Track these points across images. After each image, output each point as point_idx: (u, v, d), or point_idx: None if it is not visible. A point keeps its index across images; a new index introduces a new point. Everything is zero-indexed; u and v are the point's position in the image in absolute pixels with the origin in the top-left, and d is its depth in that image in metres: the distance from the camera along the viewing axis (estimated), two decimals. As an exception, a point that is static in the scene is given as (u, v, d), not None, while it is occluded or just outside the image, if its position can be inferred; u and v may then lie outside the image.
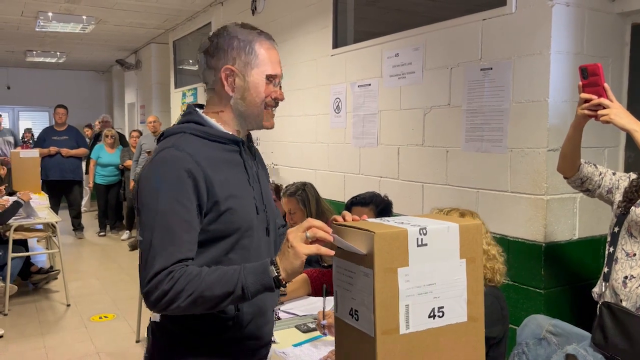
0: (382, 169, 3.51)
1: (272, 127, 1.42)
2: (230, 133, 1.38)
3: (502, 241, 2.61)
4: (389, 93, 3.43)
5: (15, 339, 4.04)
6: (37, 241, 6.35)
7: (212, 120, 1.37)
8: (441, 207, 2.01)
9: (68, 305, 4.81)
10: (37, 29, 7.06)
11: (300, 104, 4.43)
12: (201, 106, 1.45)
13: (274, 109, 1.40)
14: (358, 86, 3.71)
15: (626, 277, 1.94)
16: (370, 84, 3.59)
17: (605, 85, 1.82)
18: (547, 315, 2.36)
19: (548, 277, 2.48)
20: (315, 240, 1.17)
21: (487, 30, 2.73)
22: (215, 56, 1.35)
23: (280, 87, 1.41)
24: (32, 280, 5.25)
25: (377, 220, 1.22)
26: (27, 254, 5.09)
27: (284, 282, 1.19)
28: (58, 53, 9.78)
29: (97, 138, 8.33)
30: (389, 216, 2.58)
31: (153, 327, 1.40)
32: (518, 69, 2.55)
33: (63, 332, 4.25)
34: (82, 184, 7.94)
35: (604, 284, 2.03)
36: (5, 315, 4.50)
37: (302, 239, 1.16)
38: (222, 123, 1.38)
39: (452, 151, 2.94)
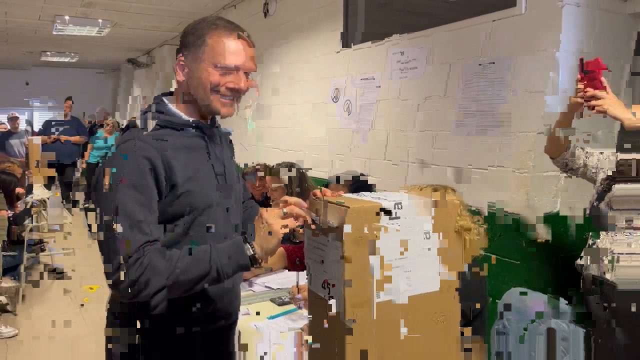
0: (372, 152, 3.53)
1: (229, 114, 1.39)
2: (191, 119, 1.39)
3: (486, 216, 2.59)
4: (390, 86, 3.45)
5: (26, 340, 4.06)
6: (54, 241, 6.45)
7: (174, 109, 1.39)
8: (422, 184, 2.05)
9: (81, 305, 4.85)
10: (55, 33, 7.17)
11: (301, 93, 4.52)
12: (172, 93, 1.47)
13: (228, 97, 1.36)
14: (361, 79, 3.73)
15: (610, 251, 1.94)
16: (374, 78, 3.61)
17: (603, 79, 1.85)
18: (529, 287, 2.34)
19: (528, 249, 2.47)
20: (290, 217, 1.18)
21: (496, 32, 2.71)
22: (181, 45, 1.39)
23: (247, 77, 1.39)
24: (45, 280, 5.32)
25: (355, 195, 1.23)
26: (41, 254, 5.17)
27: (260, 261, 1.19)
28: (72, 53, 9.94)
29: (92, 128, 9.36)
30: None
31: (111, 303, 1.39)
32: (520, 64, 2.54)
33: (73, 332, 4.28)
34: (76, 165, 8.68)
35: (587, 257, 2.03)
36: (16, 315, 4.56)
37: (279, 215, 1.17)
38: (184, 109, 1.39)
39: (441, 135, 2.95)
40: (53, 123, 8.17)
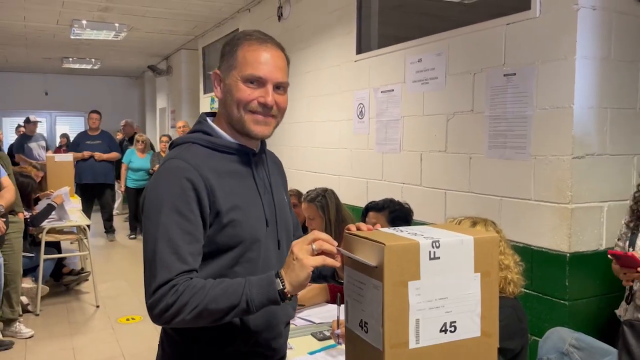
0: (405, 176, 3.48)
1: (262, 135, 1.34)
2: (238, 142, 1.34)
3: (526, 250, 2.55)
4: (412, 99, 3.40)
5: (45, 340, 4.14)
6: (71, 243, 6.53)
7: (220, 130, 1.35)
8: (461, 215, 1.98)
9: (97, 307, 4.92)
10: (72, 37, 7.26)
11: (325, 109, 4.43)
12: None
13: (260, 115, 1.31)
14: (381, 92, 3.69)
15: None
16: (393, 90, 3.57)
17: None
18: (571, 328, 2.30)
19: (573, 288, 2.41)
20: (321, 253, 1.15)
21: (511, 35, 2.68)
22: (219, 61, 1.36)
23: (282, 92, 1.34)
24: (63, 281, 5.38)
25: (391, 230, 1.20)
26: (58, 255, 5.23)
27: (289, 295, 1.16)
28: (93, 60, 10.04)
29: (121, 144, 8.62)
30: (408, 223, 2.56)
31: (162, 337, 1.39)
32: (542, 75, 2.50)
33: (91, 333, 4.35)
34: (114, 188, 8.12)
35: (624, 304, 1.96)
36: (37, 315, 4.63)
37: (308, 251, 1.14)
38: (226, 130, 1.35)
39: (475, 158, 2.90)
40: (85, 141, 7.45)
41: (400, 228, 1.22)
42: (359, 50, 4.00)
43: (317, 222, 2.92)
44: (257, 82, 1.29)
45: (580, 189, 2.40)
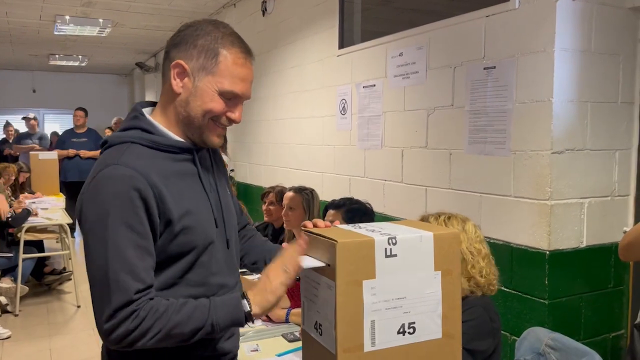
0: (387, 172, 3.41)
1: (217, 145, 1.28)
2: (181, 140, 1.24)
3: (505, 248, 2.50)
4: (393, 94, 3.34)
5: (22, 341, 4.06)
6: (56, 242, 6.44)
7: (160, 126, 1.23)
8: (439, 211, 1.91)
9: (78, 307, 4.84)
10: (56, 33, 7.16)
11: (308, 105, 4.36)
12: (152, 103, 1.31)
13: (223, 129, 1.25)
14: (363, 87, 3.63)
15: None
16: (375, 85, 3.50)
17: None
18: (552, 327, 2.25)
19: (552, 286, 2.35)
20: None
21: (490, 27, 2.61)
22: (177, 47, 1.21)
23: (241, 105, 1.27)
24: (45, 281, 5.29)
25: (348, 227, 1.15)
26: (37, 255, 5.14)
27: (253, 318, 1.14)
28: (80, 56, 9.93)
29: None
30: (370, 221, 2.49)
31: (107, 348, 1.27)
32: (522, 68, 2.44)
33: (70, 334, 4.27)
34: None
35: None
36: (16, 316, 4.55)
37: (282, 270, 1.13)
38: (170, 126, 1.24)
39: (455, 154, 2.83)
40: (71, 139, 7.35)
41: (360, 225, 1.17)
42: (342, 45, 3.93)
43: (298, 213, 2.87)
44: (233, 97, 1.22)
45: (560, 185, 2.34)
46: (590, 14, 2.37)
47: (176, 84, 1.21)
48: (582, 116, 2.38)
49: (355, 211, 2.49)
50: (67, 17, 6.48)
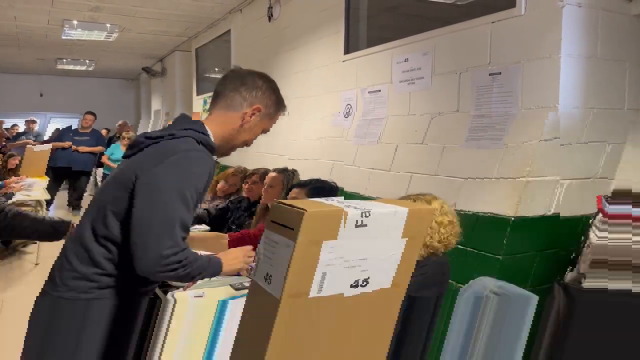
0: (377, 163, 3.38)
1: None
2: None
3: (471, 217, 2.46)
4: (398, 99, 3.33)
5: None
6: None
7: (210, 132, 1.54)
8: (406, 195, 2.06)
9: (37, 264, 4.93)
10: (64, 37, 7.21)
11: (312, 110, 4.37)
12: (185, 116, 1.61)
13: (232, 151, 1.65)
14: (368, 92, 3.63)
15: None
16: (380, 90, 3.50)
17: None
18: (502, 278, 2.19)
19: (510, 245, 2.31)
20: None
21: (496, 34, 2.61)
22: (252, 91, 1.55)
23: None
24: (11, 245, 5.40)
25: (322, 199, 1.17)
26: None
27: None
28: (87, 61, 9.99)
29: (110, 140, 8.81)
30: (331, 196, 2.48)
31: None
32: (527, 74, 2.43)
33: (23, 287, 4.32)
34: (89, 175, 8.16)
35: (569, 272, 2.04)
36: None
37: (247, 262, 1.67)
38: (215, 136, 1.55)
39: (449, 147, 2.81)
40: (70, 134, 7.58)
41: (332, 198, 1.19)
42: (347, 50, 3.93)
43: (277, 190, 2.96)
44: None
45: (541, 165, 2.31)
46: (595, 20, 2.36)
47: (247, 120, 1.56)
48: (587, 122, 2.37)
49: (320, 189, 2.49)
50: (75, 22, 6.53)
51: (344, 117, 3.89)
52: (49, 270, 1.56)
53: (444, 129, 2.92)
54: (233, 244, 2.38)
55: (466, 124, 2.74)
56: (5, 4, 5.82)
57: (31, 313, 1.53)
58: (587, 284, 1.98)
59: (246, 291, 1.98)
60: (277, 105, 1.61)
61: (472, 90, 2.74)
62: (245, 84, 1.55)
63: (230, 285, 2.08)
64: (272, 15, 5.12)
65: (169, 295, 1.83)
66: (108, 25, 6.72)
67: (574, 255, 2.23)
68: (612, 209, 1.99)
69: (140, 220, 1.37)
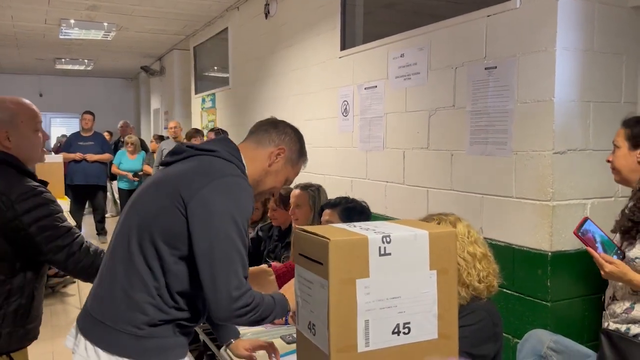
0: (389, 174, 3.39)
1: None
2: None
3: (507, 250, 2.47)
4: (394, 95, 3.32)
5: (24, 343, 4.06)
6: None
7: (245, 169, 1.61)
8: (442, 212, 1.88)
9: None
10: (62, 37, 7.20)
11: (310, 108, 4.35)
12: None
13: (260, 200, 1.69)
14: (365, 88, 3.61)
15: (610, 298, 1.79)
16: (376, 86, 3.49)
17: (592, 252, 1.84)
18: (554, 329, 2.21)
19: (554, 288, 2.32)
20: None
21: (492, 27, 2.59)
22: (281, 135, 1.67)
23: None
24: (49, 283, 5.27)
25: (343, 225, 1.14)
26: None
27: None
28: (86, 60, 9.99)
29: (116, 145, 8.43)
30: (365, 218, 2.47)
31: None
32: (523, 68, 2.41)
33: None
34: (106, 189, 7.95)
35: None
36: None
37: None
38: (248, 172, 1.61)
39: (456, 155, 2.81)
40: (78, 141, 7.16)
41: (354, 223, 1.16)
42: (343, 47, 3.92)
43: (305, 210, 2.84)
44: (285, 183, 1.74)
45: (562, 186, 2.31)
46: (592, 13, 2.34)
47: (274, 160, 1.65)
48: (585, 116, 2.35)
49: (351, 210, 2.47)
50: (72, 21, 6.52)
51: (342, 115, 3.87)
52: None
53: (444, 129, 2.91)
54: (280, 279, 2.31)
55: (465, 124, 2.73)
56: (3, 4, 5.81)
57: None
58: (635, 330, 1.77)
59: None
60: (300, 153, 1.72)
61: (468, 84, 2.72)
62: (276, 128, 1.69)
63: (281, 338, 2.09)
64: (268, 12, 5.10)
65: (222, 350, 1.91)
66: (105, 24, 6.71)
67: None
68: None
69: (203, 258, 1.41)
